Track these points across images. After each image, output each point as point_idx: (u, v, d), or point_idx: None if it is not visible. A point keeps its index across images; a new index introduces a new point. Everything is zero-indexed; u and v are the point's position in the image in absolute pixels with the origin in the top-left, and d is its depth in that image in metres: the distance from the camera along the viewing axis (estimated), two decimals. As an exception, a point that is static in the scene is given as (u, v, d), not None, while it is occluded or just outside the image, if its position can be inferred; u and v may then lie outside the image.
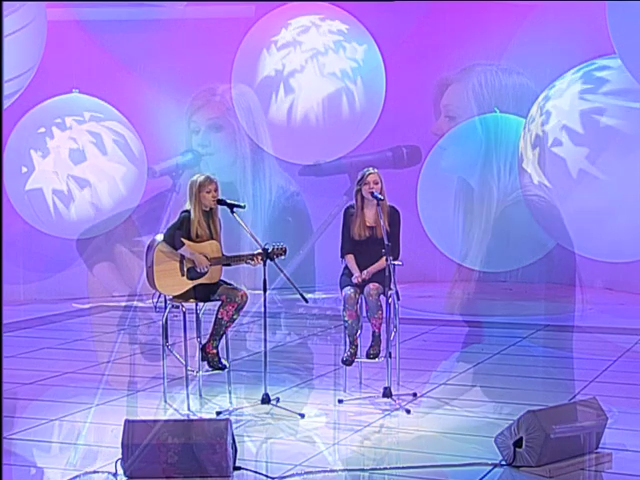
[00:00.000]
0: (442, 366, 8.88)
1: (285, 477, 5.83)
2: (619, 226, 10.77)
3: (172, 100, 12.58)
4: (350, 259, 7.70)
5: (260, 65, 12.25)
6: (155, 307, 7.66)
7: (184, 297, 7.39)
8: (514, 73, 12.87)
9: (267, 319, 7.18)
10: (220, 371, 7.44)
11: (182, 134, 12.84)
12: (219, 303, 7.34)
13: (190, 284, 7.36)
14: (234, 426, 6.12)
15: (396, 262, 7.43)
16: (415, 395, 7.55)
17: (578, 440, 6.03)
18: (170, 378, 7.64)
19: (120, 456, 5.77)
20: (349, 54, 12.30)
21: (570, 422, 6.02)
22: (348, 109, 12.30)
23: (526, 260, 12.28)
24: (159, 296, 7.52)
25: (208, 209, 7.40)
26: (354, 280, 7.57)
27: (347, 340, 7.58)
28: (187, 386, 7.38)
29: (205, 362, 7.40)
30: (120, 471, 5.77)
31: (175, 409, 7.28)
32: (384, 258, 7.35)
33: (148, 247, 7.45)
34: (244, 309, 7.39)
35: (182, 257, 7.34)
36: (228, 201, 7.41)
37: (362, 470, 6.03)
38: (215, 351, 7.37)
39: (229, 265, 7.47)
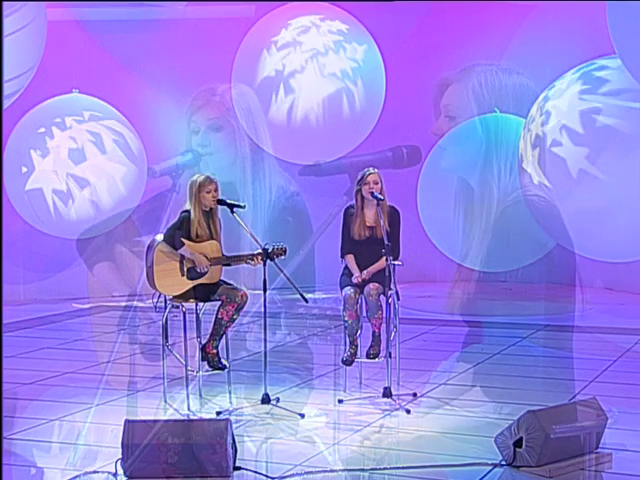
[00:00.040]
0: (442, 366, 8.88)
1: (285, 477, 5.83)
2: (619, 226, 10.77)
3: (172, 100, 12.58)
4: (350, 259, 7.70)
5: (260, 65, 12.25)
6: (155, 307, 7.66)
7: (184, 297, 7.39)
8: (514, 73, 12.87)
9: (267, 319, 7.18)
10: (220, 371, 7.44)
11: (182, 134, 12.84)
12: (219, 303, 7.34)
13: (190, 284, 7.36)
14: (234, 426, 6.12)
15: (396, 262, 7.43)
16: (415, 395, 7.55)
17: (578, 440, 6.04)
18: (170, 378, 7.64)
19: (120, 456, 5.77)
20: (349, 54, 12.30)
21: (570, 422, 6.02)
22: (348, 109, 12.30)
23: (526, 260, 12.28)
24: (159, 296, 7.52)
25: (208, 209, 7.40)
26: (354, 280, 7.57)
27: (347, 340, 7.58)
28: (187, 386, 7.38)
29: (205, 362, 7.40)
30: (120, 471, 5.77)
31: (175, 409, 7.28)
32: (384, 258, 7.35)
33: (148, 247, 7.45)
34: (244, 309, 7.39)
35: (182, 257, 7.34)
36: (228, 201, 7.42)
37: (362, 470, 6.03)
38: (215, 351, 7.37)
39: (229, 265, 7.47)
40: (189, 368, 7.40)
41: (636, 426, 6.84)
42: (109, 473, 5.84)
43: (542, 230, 11.73)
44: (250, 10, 12.68)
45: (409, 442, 6.58)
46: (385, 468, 6.06)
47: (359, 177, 7.67)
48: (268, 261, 7.24)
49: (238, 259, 7.46)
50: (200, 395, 7.48)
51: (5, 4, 10.23)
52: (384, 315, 7.49)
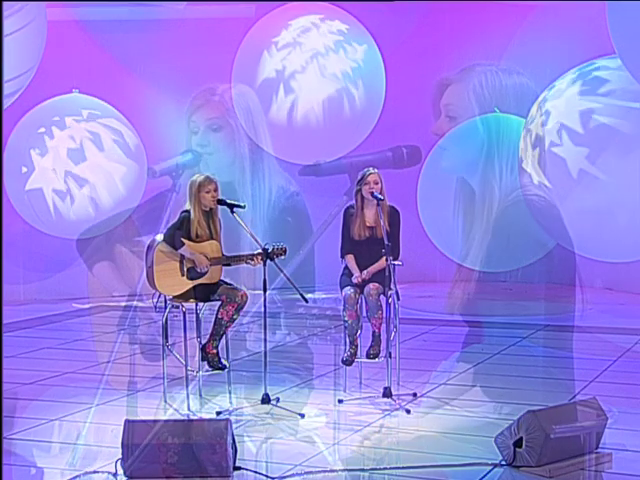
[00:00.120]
0: (442, 366, 8.88)
1: (285, 477, 5.83)
2: (619, 226, 10.77)
3: (172, 100, 12.58)
4: (350, 259, 7.70)
5: (261, 66, 12.26)
6: (155, 307, 7.66)
7: (184, 297, 7.39)
8: (514, 73, 12.87)
9: (267, 319, 7.18)
10: (220, 371, 7.44)
11: (182, 134, 12.84)
12: (219, 303, 7.34)
13: (190, 284, 7.36)
14: (234, 426, 6.12)
15: (396, 262, 7.43)
16: (415, 395, 7.55)
17: (578, 440, 6.04)
18: (170, 378, 7.64)
19: (120, 456, 5.77)
20: (349, 54, 12.31)
21: (570, 422, 6.03)
22: (348, 109, 12.30)
23: (526, 260, 12.28)
24: (159, 296, 7.52)
25: (208, 209, 7.40)
26: (354, 280, 7.57)
27: (347, 340, 7.58)
28: (187, 386, 7.38)
29: (205, 362, 7.40)
30: (120, 471, 5.77)
31: (175, 409, 7.28)
32: (384, 258, 7.35)
33: (148, 247, 7.45)
34: (244, 309, 7.39)
35: (182, 257, 7.34)
36: (228, 201, 7.42)
37: (362, 470, 6.03)
38: (215, 351, 7.37)
39: (229, 265, 7.47)
40: (189, 368, 7.40)
41: (636, 426, 6.84)
42: (109, 473, 5.84)
43: (542, 230, 11.73)
44: (250, 10, 12.68)
45: (409, 442, 6.58)
46: (385, 468, 6.06)
47: (359, 177, 7.67)
48: (268, 261, 7.24)
49: (238, 259, 7.46)
50: (200, 395, 7.48)
51: (5, 4, 10.23)
52: (384, 315, 7.49)
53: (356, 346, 7.57)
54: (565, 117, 10.98)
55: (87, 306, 11.91)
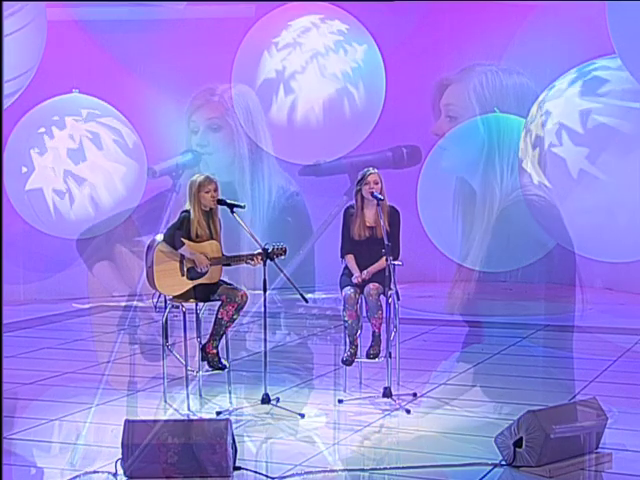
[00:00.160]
0: (442, 366, 8.88)
1: (285, 477, 5.83)
2: (619, 226, 10.77)
3: (172, 100, 12.58)
4: (350, 259, 7.70)
5: (261, 66, 12.26)
6: (155, 307, 7.66)
7: (184, 297, 7.39)
8: (514, 73, 12.87)
9: (267, 319, 7.18)
10: (220, 371, 7.44)
11: (182, 134, 12.84)
12: (219, 303, 7.34)
13: (190, 284, 7.36)
14: (234, 426, 6.12)
15: (396, 262, 7.43)
16: (415, 395, 7.55)
17: (578, 440, 6.04)
18: (170, 378, 7.64)
19: (120, 456, 5.77)
20: (349, 54, 12.31)
21: (570, 422, 6.02)
22: (348, 109, 12.30)
23: (526, 260, 12.28)
24: (159, 296, 7.52)
25: (208, 209, 7.40)
26: (354, 280, 7.57)
27: (347, 340, 7.58)
28: (187, 386, 7.38)
29: (205, 362, 7.40)
30: (120, 471, 5.77)
31: (175, 409, 7.28)
32: (384, 258, 7.35)
33: (148, 247, 7.45)
34: (244, 309, 7.39)
35: (182, 257, 7.34)
36: (228, 201, 7.42)
37: (362, 470, 6.03)
38: (215, 351, 7.37)
39: (229, 265, 7.47)
40: (189, 368, 7.40)
41: (636, 426, 6.84)
42: (109, 473, 5.84)
43: (542, 230, 11.73)
44: (250, 10, 12.68)
45: (409, 442, 6.58)
46: (385, 468, 6.06)
47: (359, 177, 7.67)
48: (268, 261, 7.24)
49: (238, 259, 7.46)
50: (200, 395, 7.48)
51: (5, 4, 10.23)
52: (384, 315, 7.49)
53: (356, 346, 7.57)
54: (565, 117, 10.98)
55: (87, 306, 11.91)
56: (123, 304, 11.76)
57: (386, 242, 7.31)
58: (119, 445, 5.77)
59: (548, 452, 5.87)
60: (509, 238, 12.11)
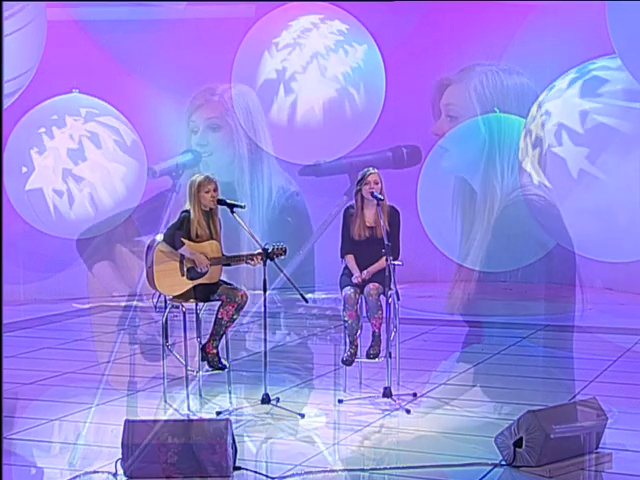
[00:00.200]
0: (442, 366, 8.88)
1: (285, 477, 5.83)
2: (619, 226, 10.77)
3: (172, 100, 12.58)
4: (350, 259, 7.70)
5: (261, 66, 12.27)
6: (155, 307, 7.66)
7: (184, 297, 7.39)
8: (514, 73, 12.87)
9: (267, 319, 7.18)
10: (220, 371, 7.43)
11: (182, 134, 12.84)
12: (219, 303, 7.34)
13: (190, 284, 7.36)
14: (234, 426, 6.12)
15: (396, 262, 7.43)
16: (415, 395, 7.55)
17: (578, 440, 6.04)
18: (170, 378, 7.64)
19: (120, 456, 5.77)
20: (349, 54, 12.32)
21: (570, 422, 6.03)
22: (348, 109, 12.30)
23: (526, 260, 12.28)
24: (159, 296, 7.52)
25: (208, 209, 7.40)
26: (354, 280, 7.57)
27: (347, 340, 7.58)
28: (187, 386, 7.38)
29: (205, 362, 7.40)
30: (120, 471, 5.77)
31: (175, 409, 7.28)
32: (384, 258, 7.35)
33: (148, 247, 7.45)
34: (244, 309, 7.39)
35: (182, 257, 7.34)
36: (228, 201, 7.42)
37: (362, 470, 6.03)
38: (215, 351, 7.37)
39: (229, 265, 7.47)
40: (189, 368, 7.40)
41: (636, 426, 6.84)
42: (109, 473, 5.84)
43: (542, 230, 11.73)
44: (250, 10, 12.68)
45: (409, 442, 6.58)
46: (385, 468, 6.06)
47: (359, 177, 7.67)
48: (268, 261, 7.24)
49: (238, 259, 7.46)
50: (200, 395, 7.48)
51: (5, 4, 10.23)
52: (384, 315, 7.49)
53: (356, 346, 7.57)
54: (565, 117, 10.98)
55: (87, 306, 11.91)
56: (123, 304, 11.76)
57: (386, 242, 7.31)
58: (119, 445, 5.77)
59: (548, 452, 5.87)
60: (509, 238, 12.11)
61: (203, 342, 7.42)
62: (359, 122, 12.42)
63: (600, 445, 6.17)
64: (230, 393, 7.49)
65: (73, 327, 10.85)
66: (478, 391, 8.01)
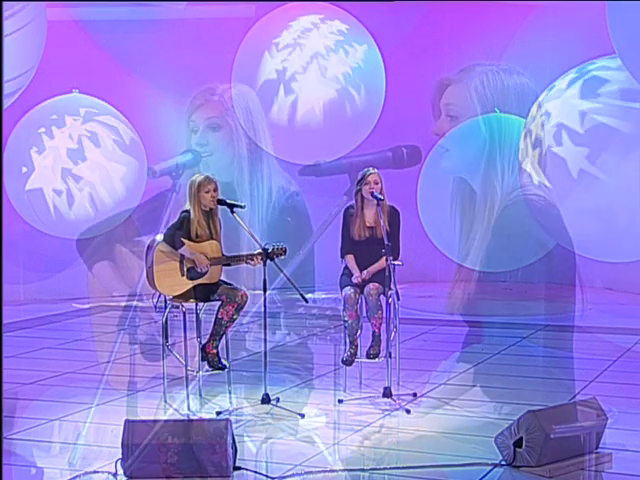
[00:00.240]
0: (442, 366, 8.88)
1: (285, 477, 5.83)
2: (619, 226, 10.77)
3: (172, 100, 12.58)
4: (350, 259, 7.70)
5: (262, 67, 12.27)
6: (155, 307, 7.66)
7: (184, 297, 7.39)
8: (515, 73, 12.87)
9: (267, 319, 7.18)
10: (220, 371, 7.43)
11: (182, 134, 12.84)
12: (219, 303, 7.34)
13: (190, 284, 7.36)
14: (234, 426, 6.12)
15: (396, 262, 7.43)
16: (415, 395, 7.55)
17: (578, 440, 6.04)
18: (170, 378, 7.64)
19: (120, 456, 5.77)
20: (349, 54, 12.32)
21: (570, 422, 6.02)
22: (348, 109, 12.31)
23: (526, 260, 12.28)
24: (159, 296, 7.52)
25: (208, 209, 7.40)
26: (354, 280, 7.57)
27: (347, 340, 7.58)
28: (187, 386, 7.38)
29: (205, 362, 7.40)
30: (120, 471, 5.77)
31: (175, 409, 7.28)
32: (384, 258, 7.35)
33: (148, 247, 7.45)
34: (244, 309, 7.39)
35: (182, 257, 7.34)
36: (228, 201, 7.42)
37: (362, 470, 6.03)
38: (215, 351, 7.37)
39: (229, 265, 7.47)
40: (189, 368, 7.40)
41: (636, 426, 6.84)
42: (109, 473, 5.84)
43: (542, 230, 11.73)
44: (250, 10, 12.68)
45: (409, 442, 6.58)
46: (385, 468, 6.06)
47: (359, 177, 7.67)
48: (268, 261, 7.24)
49: (238, 259, 7.46)
50: (200, 395, 7.48)
51: (5, 4, 10.23)
52: (384, 315, 7.49)
53: (356, 346, 7.57)
54: (565, 117, 10.98)
55: (87, 306, 11.91)
56: (123, 304, 11.76)
57: (386, 242, 7.31)
58: (119, 445, 5.77)
59: (548, 452, 5.87)
60: (509, 238, 12.11)
61: (203, 342, 7.42)
62: (359, 122, 12.42)
63: (600, 445, 6.17)
64: (230, 393, 7.49)
65: (73, 327, 10.85)
66: (478, 391, 8.01)
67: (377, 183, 7.58)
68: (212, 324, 7.36)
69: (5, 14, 10.25)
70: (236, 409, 7.24)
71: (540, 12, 12.48)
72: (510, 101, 12.76)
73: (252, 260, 7.36)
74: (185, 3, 12.59)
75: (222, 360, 7.41)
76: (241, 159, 12.92)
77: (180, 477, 5.74)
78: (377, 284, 7.48)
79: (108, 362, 8.78)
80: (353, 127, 12.40)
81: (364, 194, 7.61)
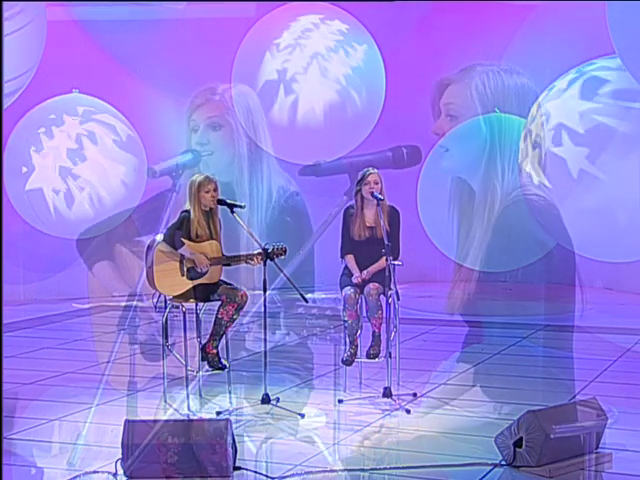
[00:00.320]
0: (442, 366, 8.88)
1: (285, 477, 5.83)
2: (619, 226, 10.77)
3: (172, 100, 12.58)
4: (350, 259, 7.70)
5: (262, 67, 12.27)
6: (155, 307, 7.66)
7: (184, 297, 7.39)
8: (515, 73, 12.86)
9: (267, 319, 7.18)
10: (220, 371, 7.43)
11: (182, 134, 12.84)
12: (219, 303, 7.34)
13: (190, 284, 7.36)
14: (234, 426, 6.12)
15: (396, 262, 7.43)
16: (415, 395, 7.55)
17: (578, 440, 6.04)
18: (170, 378, 7.64)
19: (120, 456, 5.77)
20: (349, 54, 12.32)
21: (570, 422, 6.02)
22: (348, 109, 12.31)
23: (526, 260, 12.28)
24: (159, 296, 7.52)
25: (208, 209, 7.40)
26: (354, 280, 7.57)
27: (347, 340, 7.58)
28: (187, 386, 7.38)
29: (205, 362, 7.40)
30: (120, 471, 5.77)
31: (175, 409, 7.28)
32: (384, 258, 7.35)
33: (148, 247, 7.45)
34: (244, 309, 7.39)
35: (182, 257, 7.34)
36: (228, 201, 7.42)
37: (362, 470, 6.03)
38: (215, 351, 7.37)
39: (229, 265, 7.47)
40: (189, 368, 7.40)
41: (636, 426, 6.84)
42: (109, 473, 5.84)
43: (542, 230, 11.73)
44: (250, 10, 12.68)
45: (409, 442, 6.58)
46: (385, 468, 6.06)
47: (359, 177, 7.67)
48: (268, 261, 7.24)
49: (238, 259, 7.46)
50: (200, 395, 7.48)
51: (5, 4, 10.23)
52: (384, 315, 7.49)
53: (356, 346, 7.57)
54: (565, 117, 10.98)
55: (87, 306, 11.91)
56: (123, 304, 11.75)
57: (386, 242, 7.31)
58: (119, 445, 5.77)
59: (548, 452, 5.87)
60: (509, 238, 12.11)
61: (203, 342, 7.42)
62: (359, 122, 12.42)
63: (600, 445, 6.17)
64: (230, 393, 7.49)
65: (73, 327, 10.85)
66: (478, 391, 8.01)
67: (377, 183, 7.58)
68: (212, 324, 7.36)
69: (5, 15, 10.25)
70: (236, 409, 7.24)
71: (540, 12, 12.48)
72: (510, 101, 12.75)
73: (252, 260, 7.36)
74: (185, 3, 12.59)
75: (222, 360, 7.41)
76: (241, 159, 12.93)
77: (180, 477, 5.75)
78: (377, 284, 7.48)
79: (108, 362, 8.78)
80: (353, 127, 12.40)
81: (364, 194, 7.61)
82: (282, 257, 7.32)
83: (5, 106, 10.69)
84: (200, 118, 12.84)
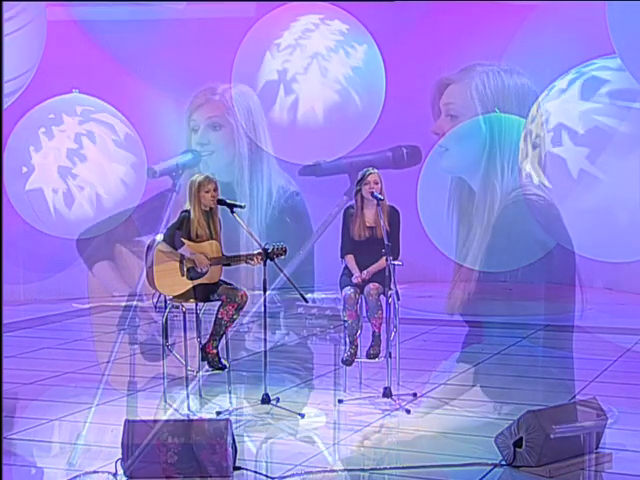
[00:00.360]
0: (442, 366, 8.88)
1: (285, 477, 5.83)
2: (619, 226, 10.77)
3: (172, 100, 12.58)
4: (350, 259, 7.70)
5: (263, 67, 12.28)
6: (155, 307, 7.66)
7: (184, 297, 7.39)
8: (515, 73, 12.86)
9: (267, 319, 7.18)
10: (220, 371, 7.43)
11: (182, 134, 12.84)
12: (219, 303, 7.34)
13: (190, 284, 7.36)
14: (234, 426, 6.12)
15: (396, 262, 7.43)
16: (415, 395, 7.55)
17: (578, 440, 6.03)
18: (170, 378, 7.64)
19: (120, 456, 5.77)
20: (349, 55, 12.32)
21: (570, 422, 6.02)
22: (348, 109, 12.30)
23: (526, 260, 12.28)
24: (159, 296, 7.52)
25: (208, 209, 7.40)
26: (354, 280, 7.57)
27: (347, 340, 7.59)
28: (187, 386, 7.38)
29: (205, 362, 7.40)
30: (120, 471, 5.77)
31: (175, 409, 7.28)
32: (384, 258, 7.36)
33: (148, 247, 7.45)
34: (244, 309, 7.39)
35: (182, 257, 7.34)
36: (228, 201, 7.42)
37: (362, 470, 6.03)
38: (215, 351, 7.37)
39: (229, 265, 7.47)
40: (189, 368, 7.40)
41: (636, 426, 6.84)
42: (109, 473, 5.84)
43: (542, 230, 11.73)
44: (250, 10, 12.68)
45: (409, 442, 6.58)
46: (385, 468, 6.06)
47: (359, 177, 7.67)
48: (268, 261, 7.24)
49: (238, 259, 7.46)
50: (200, 395, 7.48)
51: (5, 4, 10.23)
52: (384, 315, 7.49)
53: (356, 346, 7.57)
54: (565, 117, 10.98)
55: (87, 306, 11.91)
56: (123, 304, 11.75)
57: (386, 242, 7.32)
58: (119, 445, 5.77)
59: (548, 452, 5.87)
60: (509, 238, 12.11)
61: (203, 342, 7.42)
62: (359, 122, 12.43)
63: (600, 445, 6.17)
64: (230, 393, 7.49)
65: (73, 327, 10.86)
66: (478, 391, 8.01)
67: (377, 183, 7.58)
68: (212, 324, 7.36)
69: (5, 15, 10.25)
70: (236, 409, 7.24)
71: (540, 12, 12.47)
72: (510, 101, 12.75)
73: (252, 260, 7.36)
74: (185, 3, 12.59)
75: (222, 360, 7.41)
76: (242, 159, 12.92)
77: (180, 477, 5.75)
78: (377, 284, 7.48)
79: (108, 362, 8.78)
80: (353, 127, 12.40)
81: (364, 194, 7.61)
82: (282, 257, 7.32)
83: (5, 106, 10.69)
84: (200, 118, 12.84)
